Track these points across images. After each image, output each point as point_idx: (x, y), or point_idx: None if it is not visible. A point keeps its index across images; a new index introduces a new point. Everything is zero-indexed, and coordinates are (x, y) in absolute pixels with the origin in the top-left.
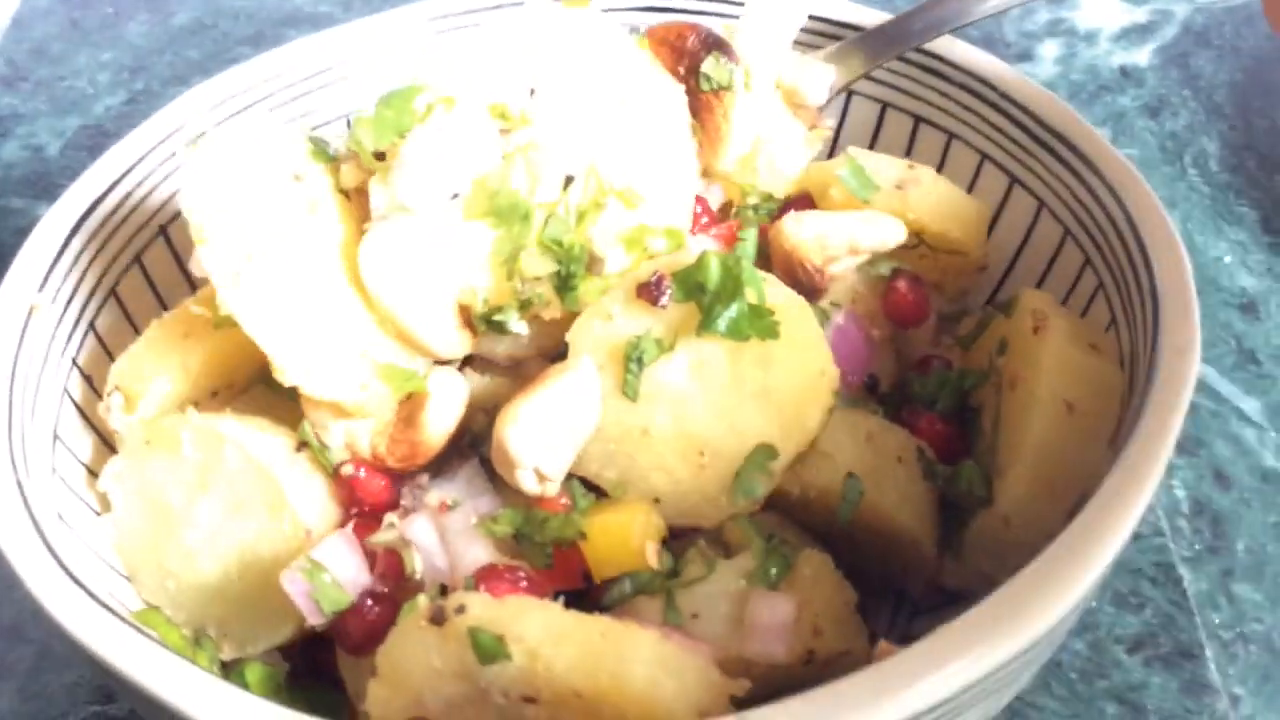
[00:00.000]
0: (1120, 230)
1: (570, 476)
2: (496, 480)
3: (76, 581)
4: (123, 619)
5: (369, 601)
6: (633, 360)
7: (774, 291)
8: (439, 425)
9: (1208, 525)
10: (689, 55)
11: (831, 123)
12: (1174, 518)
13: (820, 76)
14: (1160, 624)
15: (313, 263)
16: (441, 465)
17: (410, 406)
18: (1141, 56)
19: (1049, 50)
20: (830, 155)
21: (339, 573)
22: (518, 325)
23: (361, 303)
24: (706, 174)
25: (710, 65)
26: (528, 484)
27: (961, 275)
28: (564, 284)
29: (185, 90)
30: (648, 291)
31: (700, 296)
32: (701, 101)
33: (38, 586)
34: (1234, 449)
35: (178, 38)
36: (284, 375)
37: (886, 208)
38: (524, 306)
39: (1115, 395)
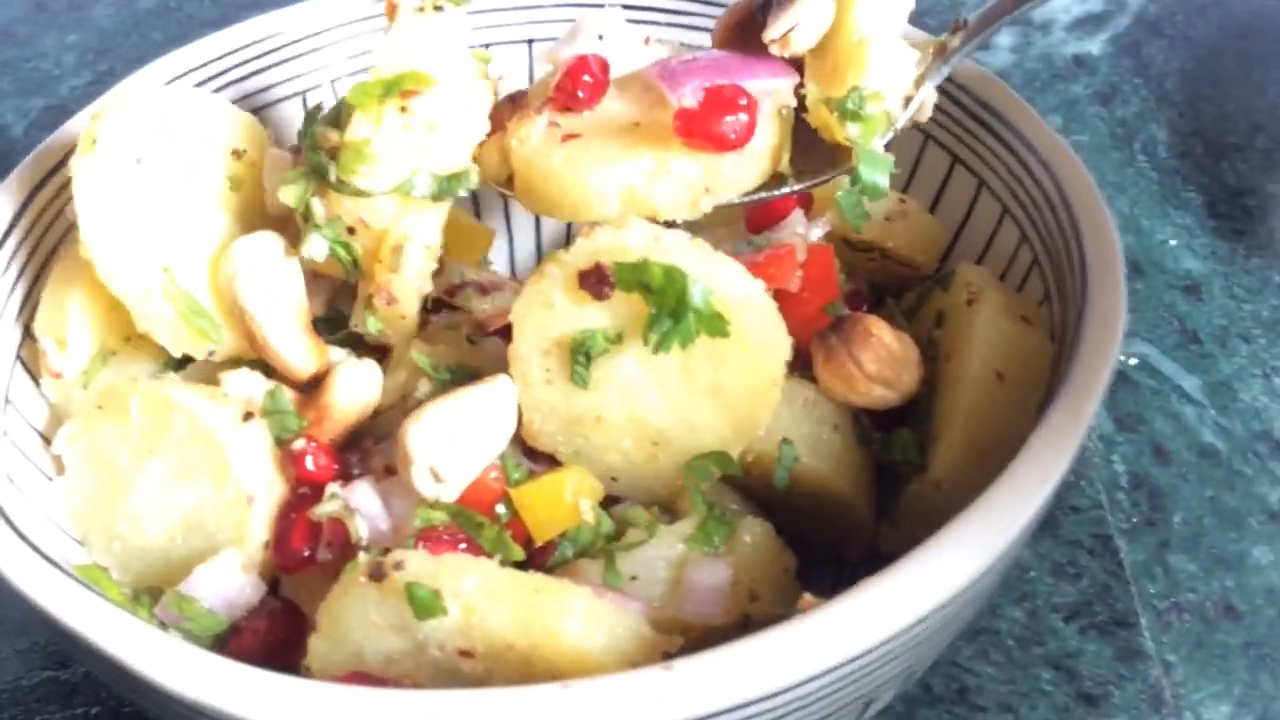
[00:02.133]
0: (1054, 207)
1: (507, 453)
2: None
3: (23, 538)
4: (67, 573)
5: (260, 618)
6: (580, 354)
7: (735, 287)
8: (343, 399)
9: (1145, 499)
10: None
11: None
12: (1113, 491)
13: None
14: (1096, 593)
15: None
16: (389, 432)
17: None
18: (1094, 45)
19: (1004, 39)
20: None
21: (210, 600)
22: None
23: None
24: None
25: None
26: (421, 483)
27: (904, 280)
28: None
29: None
30: (590, 284)
31: (646, 293)
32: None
33: None
34: (1173, 426)
35: (143, 20)
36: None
37: (869, 234)
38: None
39: (1044, 365)
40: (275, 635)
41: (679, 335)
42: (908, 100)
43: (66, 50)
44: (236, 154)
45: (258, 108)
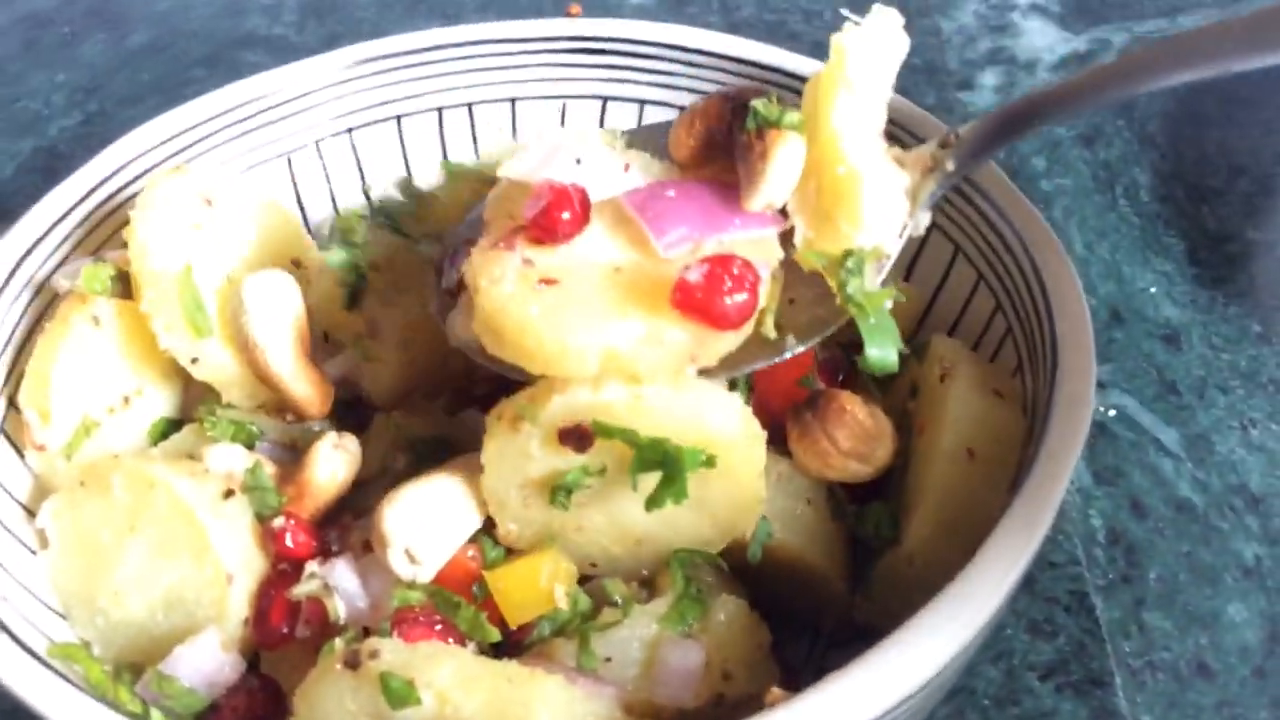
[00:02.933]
0: (1028, 279)
1: (483, 532)
2: None
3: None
4: (40, 659)
5: (239, 695)
6: (561, 490)
7: (727, 429)
8: (323, 475)
9: (1122, 554)
10: (729, 113)
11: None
12: (1090, 546)
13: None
14: (1072, 651)
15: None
16: (368, 507)
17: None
18: None
19: (989, 78)
20: None
21: (191, 678)
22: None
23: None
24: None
25: (761, 104)
26: (397, 564)
27: None
28: None
29: (139, 111)
30: (571, 440)
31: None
32: (741, 142)
33: None
34: (1151, 479)
35: (133, 59)
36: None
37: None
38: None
39: (1015, 441)
40: (254, 713)
41: (671, 495)
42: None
43: (56, 89)
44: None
45: (245, 168)
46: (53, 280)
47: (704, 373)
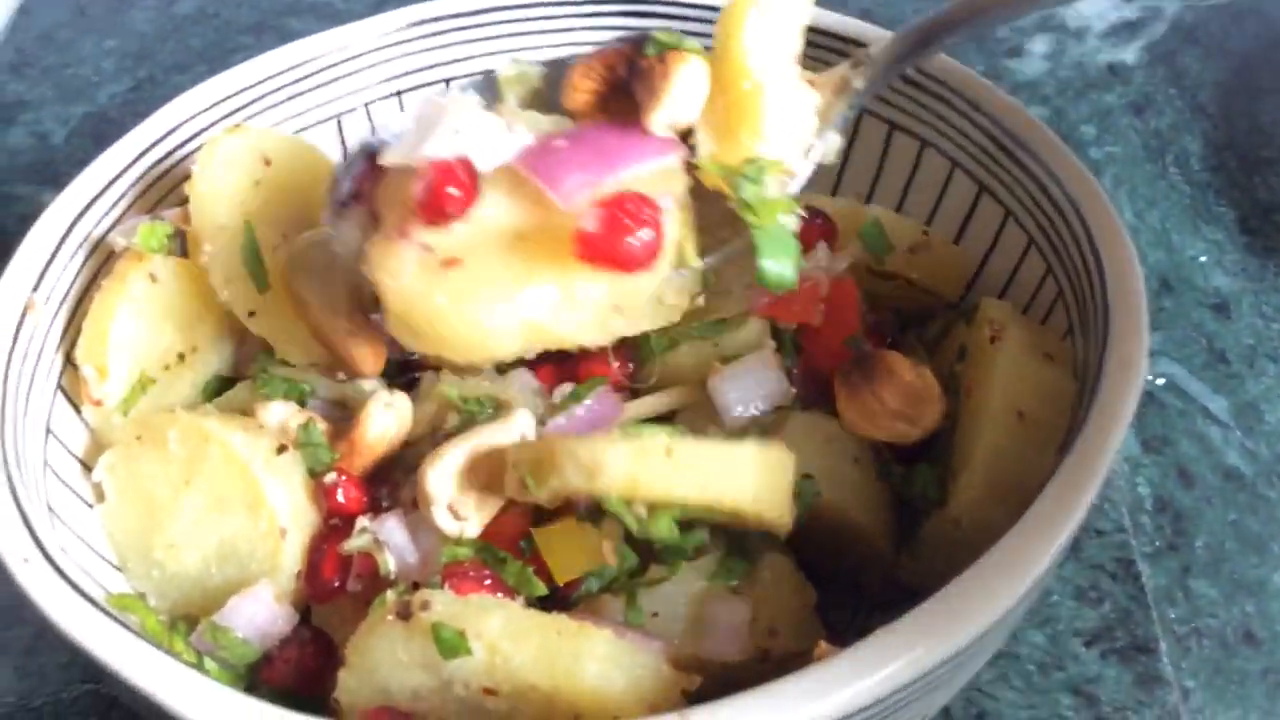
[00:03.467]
0: (1079, 242)
1: None
2: None
3: (59, 572)
4: (100, 607)
5: (291, 646)
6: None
7: (743, 494)
8: (374, 432)
9: (1169, 522)
10: (631, 53)
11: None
12: (1136, 514)
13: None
14: (1118, 618)
15: None
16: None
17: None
18: (1129, 54)
19: (1038, 46)
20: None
21: (245, 630)
22: None
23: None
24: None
25: (662, 32)
26: (442, 521)
27: (929, 309)
28: None
29: (187, 78)
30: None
31: None
32: (641, 69)
33: (24, 577)
34: (1199, 448)
35: (181, 26)
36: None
37: (893, 266)
38: None
39: (1066, 404)
40: (306, 664)
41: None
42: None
43: (106, 56)
44: None
45: (296, 130)
46: (109, 238)
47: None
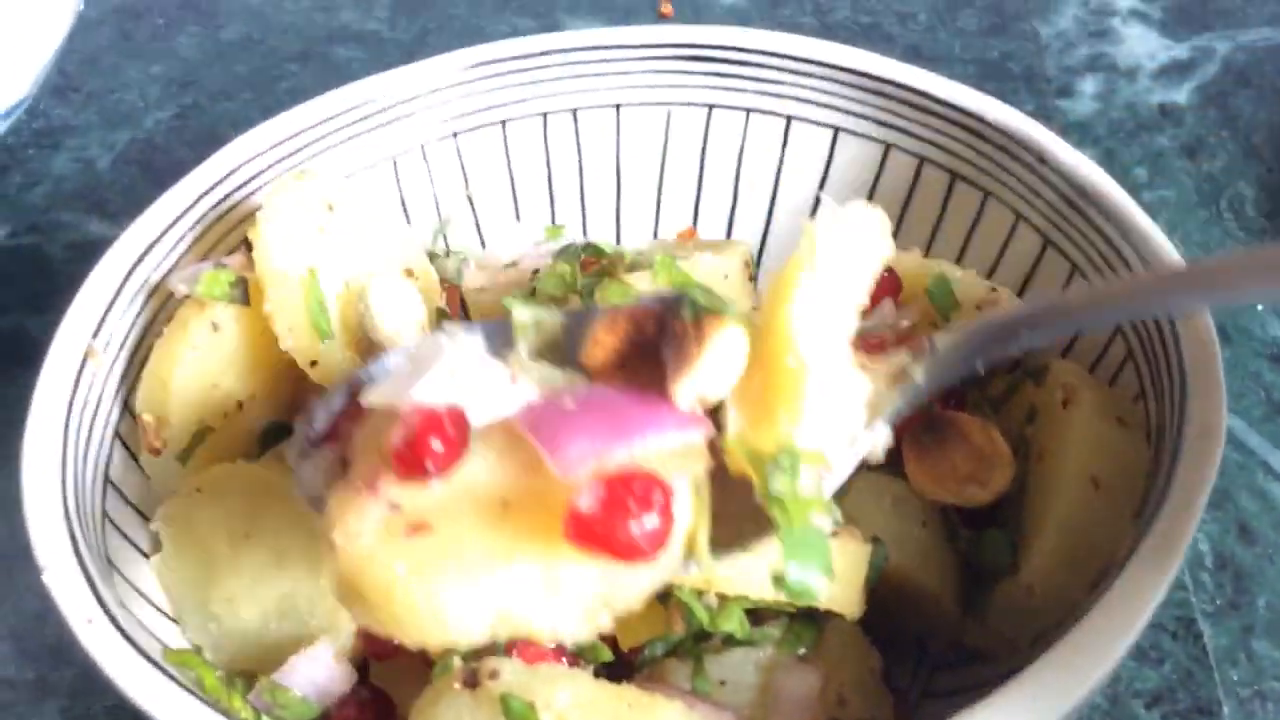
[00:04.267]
0: None
1: None
2: None
3: (122, 632)
4: (161, 667)
5: (350, 706)
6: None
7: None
8: None
9: (1230, 580)
10: (662, 313)
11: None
12: (1197, 571)
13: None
14: (1179, 679)
15: None
16: None
17: None
18: (1181, 94)
19: (1089, 86)
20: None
21: (304, 688)
22: None
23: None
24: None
25: (701, 292)
26: None
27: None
28: None
29: (234, 104)
30: None
31: None
32: (674, 332)
33: (88, 638)
34: (1260, 503)
35: (226, 52)
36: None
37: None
38: None
39: (1140, 470)
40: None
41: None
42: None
43: (151, 82)
44: None
45: (349, 173)
46: (170, 283)
47: None
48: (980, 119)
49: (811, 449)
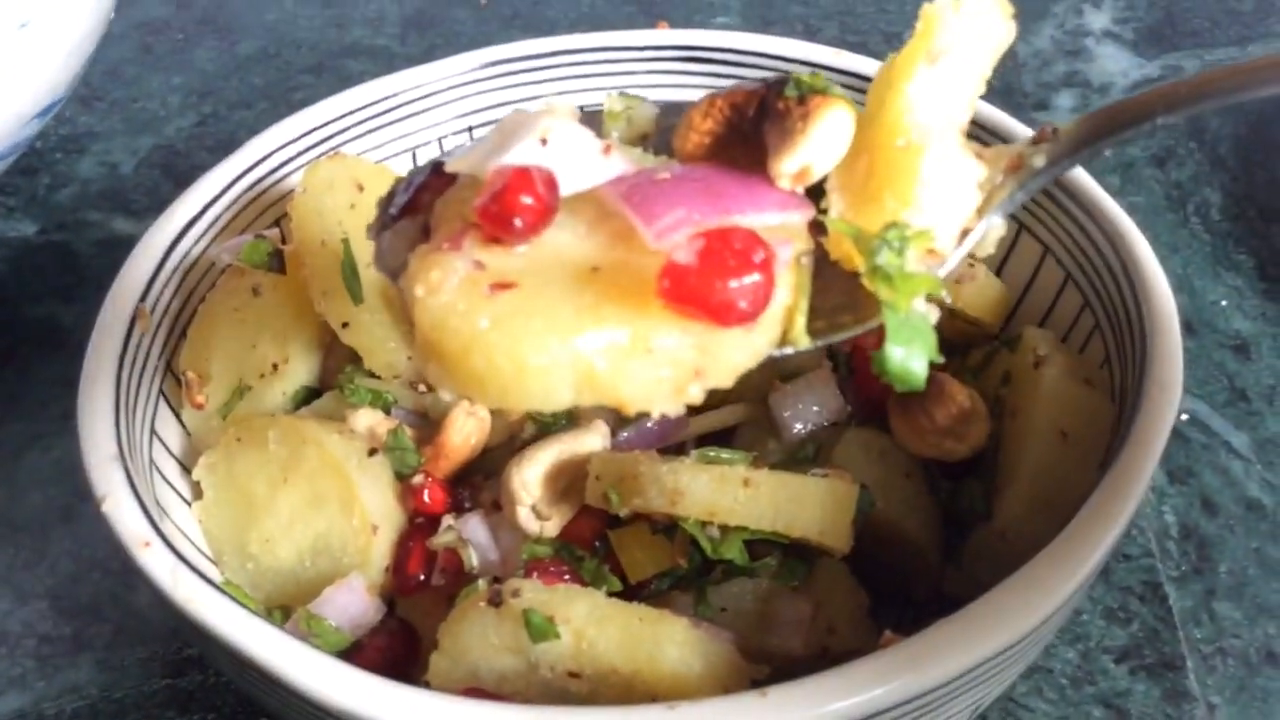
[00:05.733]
0: (1116, 276)
1: None
2: None
3: (180, 557)
4: (217, 587)
5: (381, 635)
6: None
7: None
8: (458, 438)
9: (1194, 548)
10: (762, 98)
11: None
12: (1163, 540)
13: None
14: (1146, 637)
15: None
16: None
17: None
18: None
19: (1065, 100)
20: None
21: (338, 618)
22: None
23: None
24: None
25: (806, 75)
26: (525, 521)
27: (970, 338)
28: None
29: (251, 114)
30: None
31: None
32: (776, 111)
33: (145, 559)
34: (1222, 480)
35: (243, 65)
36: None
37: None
38: None
39: (1106, 425)
40: (394, 651)
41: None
42: (964, 232)
43: (172, 92)
44: None
45: (376, 160)
46: (212, 254)
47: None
48: (974, 121)
49: (921, 229)
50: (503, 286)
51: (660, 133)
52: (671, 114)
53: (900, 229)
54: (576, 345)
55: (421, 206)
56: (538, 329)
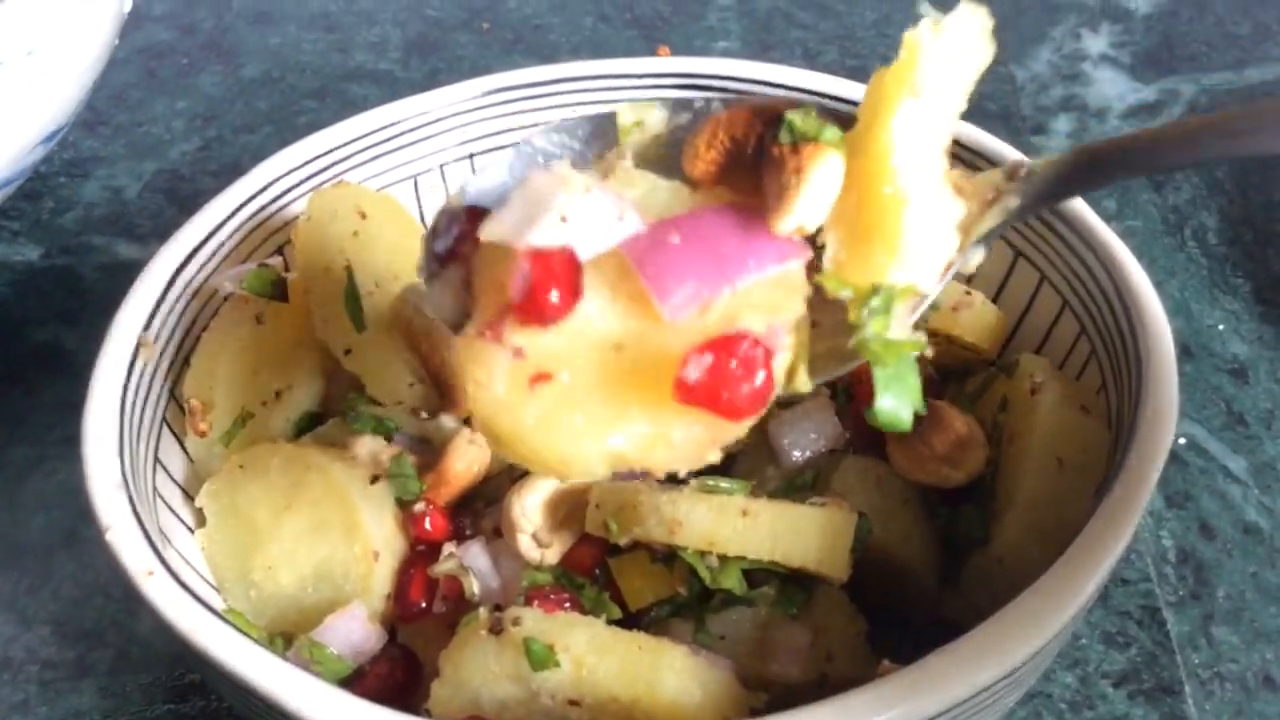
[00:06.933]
0: (1112, 304)
1: None
2: None
3: (181, 584)
4: (219, 615)
5: (382, 662)
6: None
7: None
8: (459, 466)
9: (1192, 573)
10: (759, 125)
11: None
12: (1161, 565)
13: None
14: (1144, 662)
15: None
16: (497, 496)
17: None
18: None
19: (1062, 125)
20: None
21: (339, 646)
22: None
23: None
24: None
25: (799, 115)
26: (526, 549)
27: (967, 364)
28: None
29: (255, 138)
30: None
31: None
32: (772, 157)
33: (149, 589)
34: (1219, 504)
35: (247, 89)
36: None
37: (936, 323)
38: None
39: (1101, 452)
40: (395, 679)
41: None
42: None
43: (176, 116)
44: None
45: (375, 188)
46: (215, 282)
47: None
48: (956, 141)
49: (906, 284)
50: (542, 378)
51: (671, 131)
52: (680, 110)
53: (886, 292)
54: (608, 439)
55: (462, 255)
56: (574, 428)
